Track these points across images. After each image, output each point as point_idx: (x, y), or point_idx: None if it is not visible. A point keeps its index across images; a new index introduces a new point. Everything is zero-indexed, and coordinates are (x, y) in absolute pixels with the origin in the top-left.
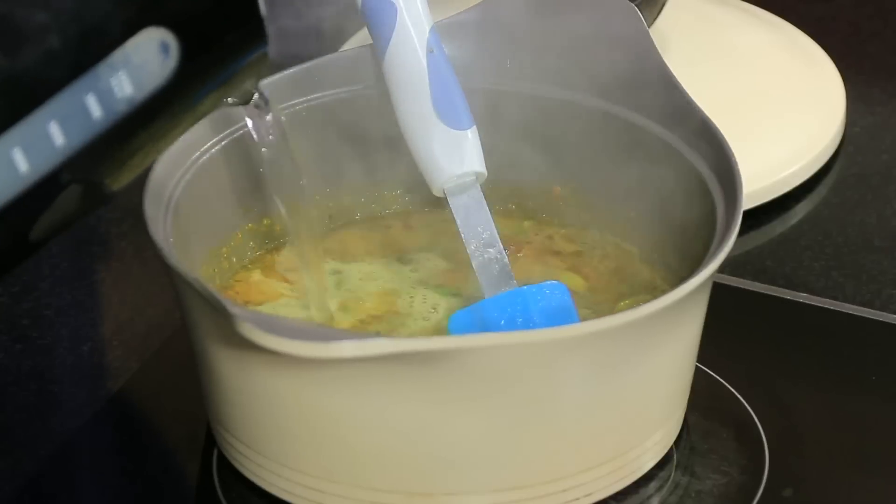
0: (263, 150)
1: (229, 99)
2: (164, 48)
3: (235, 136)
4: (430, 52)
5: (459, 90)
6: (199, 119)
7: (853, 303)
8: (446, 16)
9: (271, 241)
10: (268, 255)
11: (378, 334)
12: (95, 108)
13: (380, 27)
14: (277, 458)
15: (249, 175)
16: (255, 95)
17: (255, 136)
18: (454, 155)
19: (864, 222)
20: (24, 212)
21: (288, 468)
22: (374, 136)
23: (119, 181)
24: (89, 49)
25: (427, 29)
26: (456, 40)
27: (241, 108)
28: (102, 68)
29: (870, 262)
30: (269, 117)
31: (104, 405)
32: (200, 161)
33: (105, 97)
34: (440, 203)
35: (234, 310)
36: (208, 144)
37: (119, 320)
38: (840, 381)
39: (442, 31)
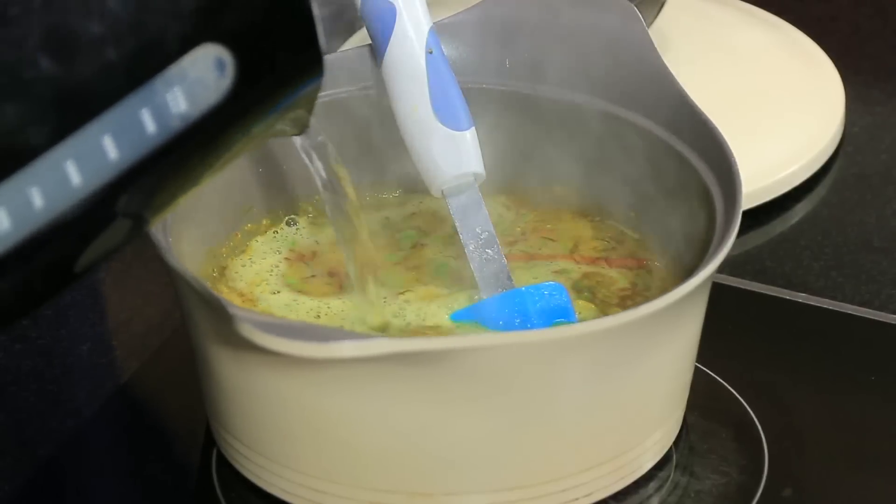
0: (317, 178)
1: (284, 127)
2: (220, 65)
3: None
4: (429, 52)
5: (458, 91)
6: (250, 147)
7: (852, 303)
8: (446, 16)
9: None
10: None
11: (377, 334)
12: (150, 123)
13: (379, 28)
14: (277, 459)
15: (249, 175)
16: (308, 128)
17: (309, 166)
18: (453, 156)
19: (863, 222)
20: (75, 241)
21: (288, 468)
22: (373, 136)
23: (169, 210)
24: (145, 62)
25: (426, 29)
26: (456, 40)
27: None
28: (158, 83)
29: (869, 262)
30: (319, 148)
31: (103, 405)
32: None
33: (160, 112)
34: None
35: (233, 310)
36: None
37: (118, 320)
38: (839, 381)
39: (441, 31)
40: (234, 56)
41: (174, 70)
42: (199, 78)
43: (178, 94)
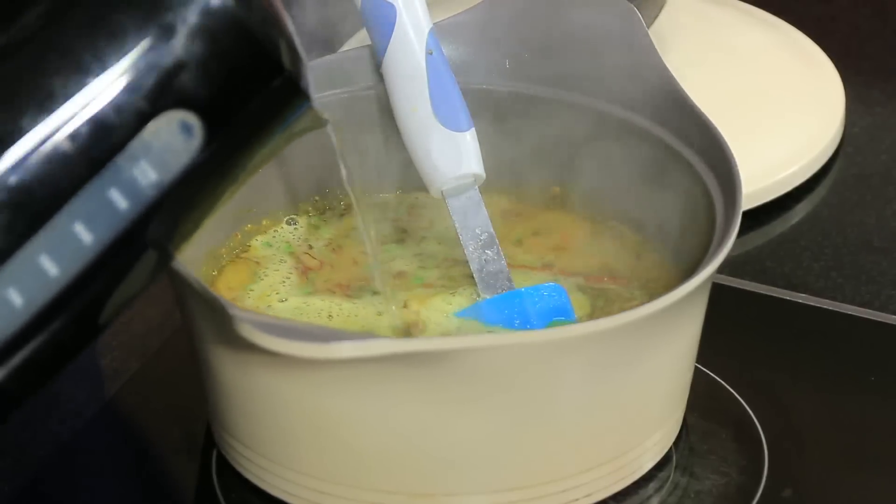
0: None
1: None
2: (186, 128)
3: None
4: (429, 53)
5: (458, 92)
6: (250, 178)
7: (852, 303)
8: (446, 16)
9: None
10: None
11: (377, 335)
12: (120, 201)
13: (379, 28)
14: (278, 460)
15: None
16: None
17: (337, 153)
18: (452, 157)
19: (863, 223)
20: (101, 287)
21: (289, 469)
22: (373, 137)
23: (191, 234)
24: (102, 146)
25: (426, 30)
26: (456, 41)
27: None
28: (121, 161)
29: (869, 262)
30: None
31: (104, 406)
32: None
33: (129, 188)
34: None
35: (233, 311)
36: None
37: (118, 320)
38: (839, 382)
39: (442, 31)
40: (199, 117)
41: (135, 145)
42: (165, 146)
43: (145, 166)
